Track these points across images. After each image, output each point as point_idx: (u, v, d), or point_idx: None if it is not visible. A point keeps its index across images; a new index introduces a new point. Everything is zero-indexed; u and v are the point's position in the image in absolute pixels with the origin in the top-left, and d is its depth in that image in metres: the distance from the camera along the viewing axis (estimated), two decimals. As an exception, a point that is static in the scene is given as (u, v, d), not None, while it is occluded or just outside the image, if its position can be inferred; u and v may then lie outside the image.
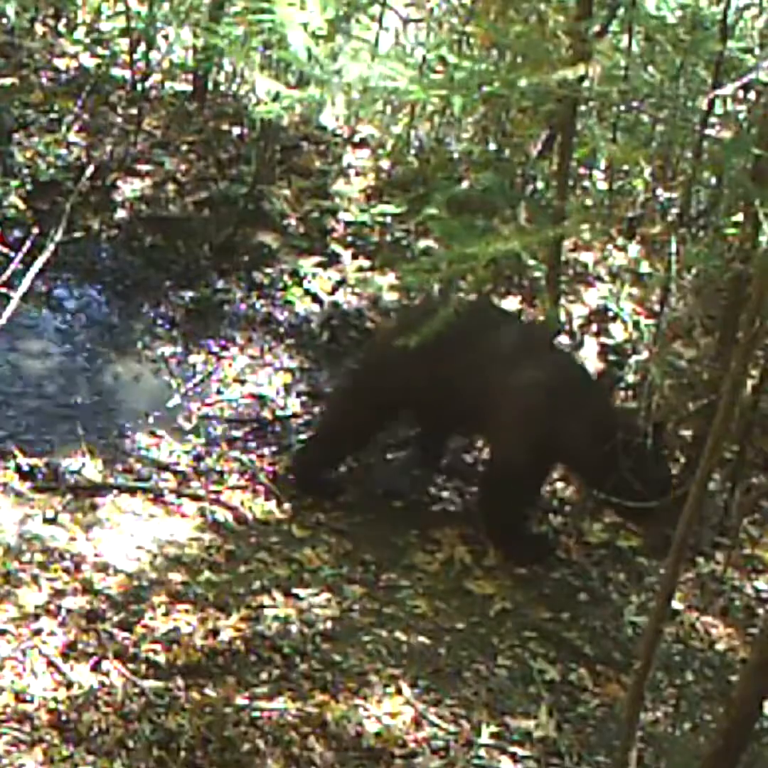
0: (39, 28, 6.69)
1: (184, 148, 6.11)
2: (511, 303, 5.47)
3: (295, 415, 5.06)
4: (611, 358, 5.35)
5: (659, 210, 5.84)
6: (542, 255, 4.31)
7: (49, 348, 5.18)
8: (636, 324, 5.45)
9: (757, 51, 5.00)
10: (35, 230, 4.97)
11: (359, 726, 3.45)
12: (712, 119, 4.50)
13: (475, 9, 5.66)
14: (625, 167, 5.87)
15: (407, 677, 3.71)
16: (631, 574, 4.42)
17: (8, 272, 4.70)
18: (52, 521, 4.14)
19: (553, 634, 4.06)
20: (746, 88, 4.75)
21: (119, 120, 6.13)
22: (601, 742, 3.62)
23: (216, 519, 4.38)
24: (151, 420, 4.91)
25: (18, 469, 4.41)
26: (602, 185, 6.05)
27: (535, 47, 3.21)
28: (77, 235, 4.53)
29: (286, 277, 5.60)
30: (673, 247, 4.40)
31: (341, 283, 5.60)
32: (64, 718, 3.27)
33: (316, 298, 5.55)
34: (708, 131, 4.14)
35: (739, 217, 4.59)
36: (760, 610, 4.28)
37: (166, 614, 3.76)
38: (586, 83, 3.56)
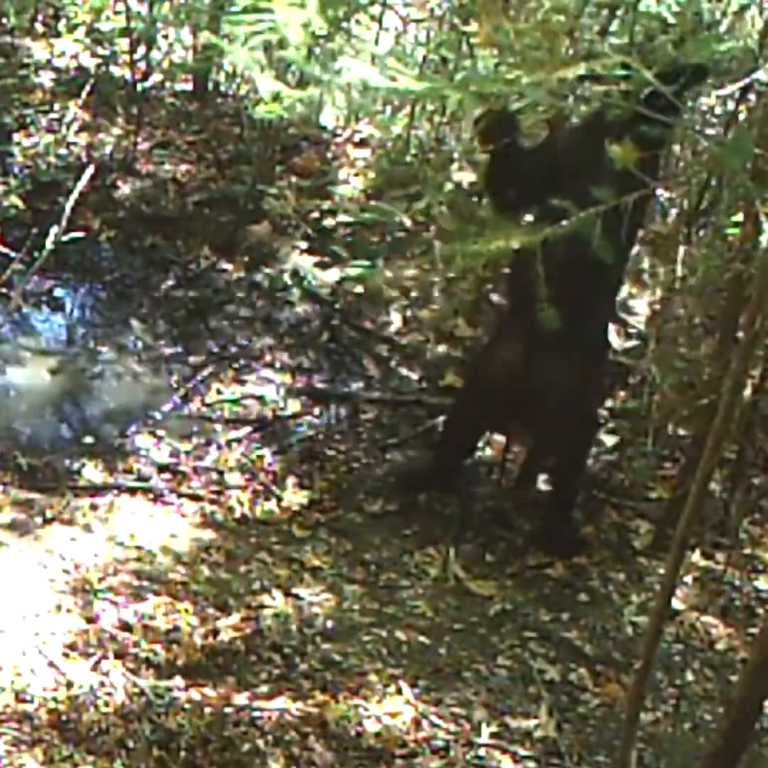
0: (39, 28, 6.68)
1: (184, 148, 6.11)
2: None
3: (295, 415, 5.06)
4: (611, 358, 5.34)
5: (659, 210, 5.83)
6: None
7: (49, 348, 5.18)
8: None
9: (757, 51, 4.99)
10: (35, 230, 4.97)
11: (359, 726, 3.45)
12: (712, 119, 4.50)
13: (476, 9, 5.65)
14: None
15: (407, 677, 3.71)
16: (631, 574, 4.42)
17: (8, 272, 4.70)
18: (52, 521, 4.15)
19: (553, 634, 4.06)
20: (746, 88, 4.74)
21: (119, 120, 6.13)
22: (601, 742, 3.62)
23: (216, 519, 4.38)
24: (151, 420, 4.91)
25: (18, 469, 4.41)
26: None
27: (535, 47, 3.20)
28: (77, 235, 4.53)
29: (286, 277, 5.60)
30: (681, 251, 4.40)
31: (341, 283, 5.60)
32: (64, 718, 3.27)
33: (316, 298, 5.55)
34: (708, 131, 4.14)
35: (739, 217, 4.59)
36: (760, 610, 4.28)
37: (166, 614, 3.76)
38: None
